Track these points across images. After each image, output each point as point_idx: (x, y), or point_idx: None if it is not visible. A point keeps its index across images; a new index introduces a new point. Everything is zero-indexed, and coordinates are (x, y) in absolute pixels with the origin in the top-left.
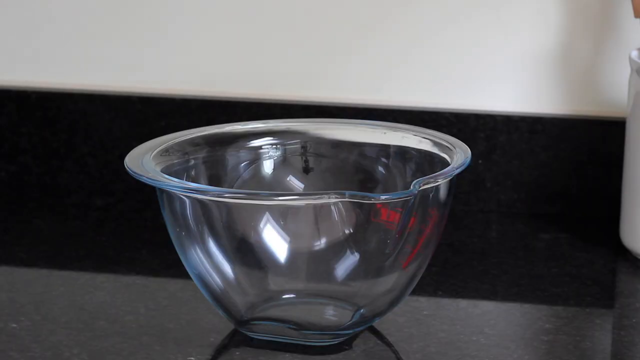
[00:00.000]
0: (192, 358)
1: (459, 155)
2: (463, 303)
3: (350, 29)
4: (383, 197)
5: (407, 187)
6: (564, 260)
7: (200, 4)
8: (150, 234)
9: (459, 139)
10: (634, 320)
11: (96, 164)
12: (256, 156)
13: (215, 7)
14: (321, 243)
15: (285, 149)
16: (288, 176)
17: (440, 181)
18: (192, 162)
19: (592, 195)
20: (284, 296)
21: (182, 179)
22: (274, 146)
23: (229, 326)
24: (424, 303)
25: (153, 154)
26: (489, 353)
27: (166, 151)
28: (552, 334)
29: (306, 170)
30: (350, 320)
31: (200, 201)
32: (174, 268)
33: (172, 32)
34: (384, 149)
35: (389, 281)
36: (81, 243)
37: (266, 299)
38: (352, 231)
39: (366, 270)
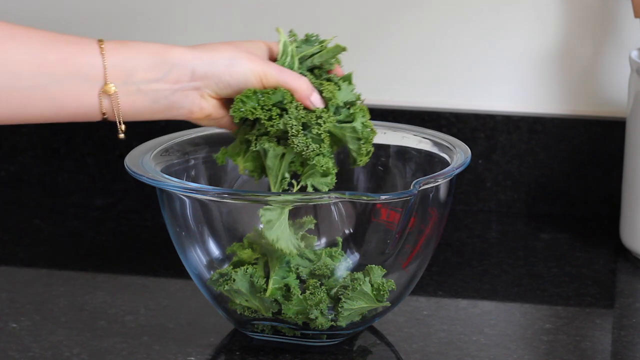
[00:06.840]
0: (192, 358)
1: (459, 155)
2: (463, 303)
3: (351, 30)
4: (383, 197)
5: (407, 187)
6: (564, 260)
7: (201, 4)
8: (150, 234)
9: (459, 139)
10: (634, 320)
11: (96, 164)
12: None
13: (216, 8)
14: (321, 243)
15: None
16: None
17: (440, 181)
18: (192, 162)
19: (592, 195)
20: None
21: (182, 179)
22: None
23: (229, 326)
24: (424, 303)
25: (153, 154)
26: (489, 353)
27: (166, 151)
28: (552, 334)
29: None
30: (351, 320)
31: (200, 201)
32: (174, 268)
33: (172, 32)
34: (384, 149)
35: None
36: (81, 243)
37: None
38: (352, 231)
39: None
